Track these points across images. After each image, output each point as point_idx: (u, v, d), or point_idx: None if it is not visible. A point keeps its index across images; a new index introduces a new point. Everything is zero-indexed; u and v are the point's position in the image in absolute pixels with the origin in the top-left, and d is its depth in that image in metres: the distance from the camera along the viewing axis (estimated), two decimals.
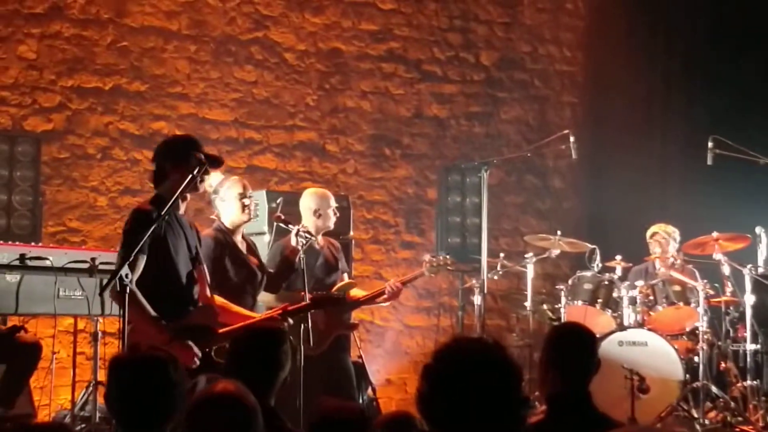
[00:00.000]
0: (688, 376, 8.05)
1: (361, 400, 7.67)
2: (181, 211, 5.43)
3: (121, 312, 4.84)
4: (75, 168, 9.04)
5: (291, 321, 5.98)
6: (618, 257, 8.69)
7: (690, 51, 10.98)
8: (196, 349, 5.14)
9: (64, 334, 7.87)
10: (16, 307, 6.74)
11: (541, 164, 11.03)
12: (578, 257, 9.21)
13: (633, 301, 8.36)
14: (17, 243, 7.20)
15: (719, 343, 8.54)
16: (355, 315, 7.87)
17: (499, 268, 8.91)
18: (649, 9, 11.17)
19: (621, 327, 8.28)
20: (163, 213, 5.10)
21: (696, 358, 8.22)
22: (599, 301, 8.49)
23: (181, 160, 5.27)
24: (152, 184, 5.49)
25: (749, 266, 8.29)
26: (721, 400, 8.13)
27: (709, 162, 8.57)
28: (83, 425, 6.95)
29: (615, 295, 8.48)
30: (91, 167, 9.11)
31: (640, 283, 8.48)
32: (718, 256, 8.43)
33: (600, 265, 8.56)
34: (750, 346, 8.29)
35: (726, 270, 8.43)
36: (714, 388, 8.11)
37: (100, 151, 9.15)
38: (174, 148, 5.41)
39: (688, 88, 11.01)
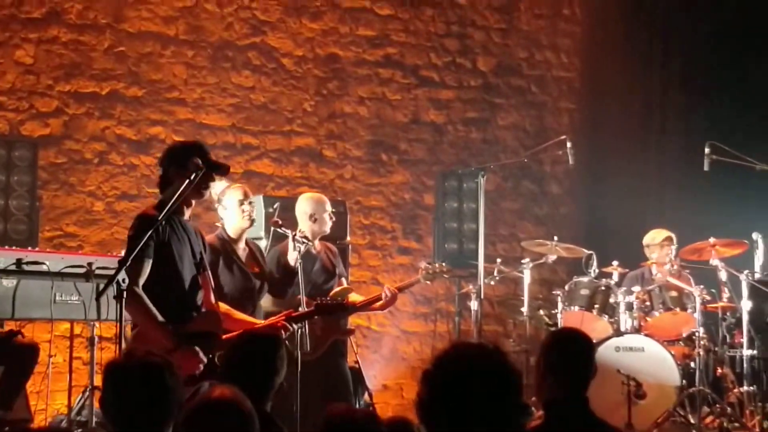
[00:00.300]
0: (684, 381, 8.04)
1: (357, 406, 7.66)
2: (186, 216, 5.43)
3: (118, 317, 4.84)
4: (72, 173, 9.04)
5: (294, 327, 5.98)
6: (615, 263, 8.68)
7: (687, 57, 10.98)
8: (201, 356, 5.13)
9: (61, 338, 7.86)
10: (13, 312, 6.73)
11: (538, 170, 11.03)
12: (575, 263, 9.21)
13: (630, 307, 8.36)
14: (14, 248, 7.20)
15: (716, 348, 8.53)
16: (352, 320, 7.87)
17: (496, 274, 8.90)
18: (646, 14, 11.18)
19: (618, 332, 8.27)
20: (161, 216, 5.10)
21: (693, 364, 8.22)
22: (596, 306, 8.49)
23: (181, 165, 5.27)
24: (158, 190, 5.48)
25: (746, 272, 8.29)
26: (717, 405, 8.12)
27: (706, 168, 8.58)
28: (80, 430, 6.94)
29: (612, 300, 8.47)
30: (88, 172, 9.10)
31: (636, 288, 8.47)
32: (715, 261, 8.43)
33: (597, 270, 8.55)
34: (747, 352, 8.29)
35: (723, 276, 8.42)
36: (711, 394, 8.11)
37: (97, 156, 9.15)
38: (175, 153, 5.40)
39: (685, 94, 11.01)
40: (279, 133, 9.95)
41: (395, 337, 10.19)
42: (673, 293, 8.47)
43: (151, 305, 5.08)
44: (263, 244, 7.58)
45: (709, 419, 8.09)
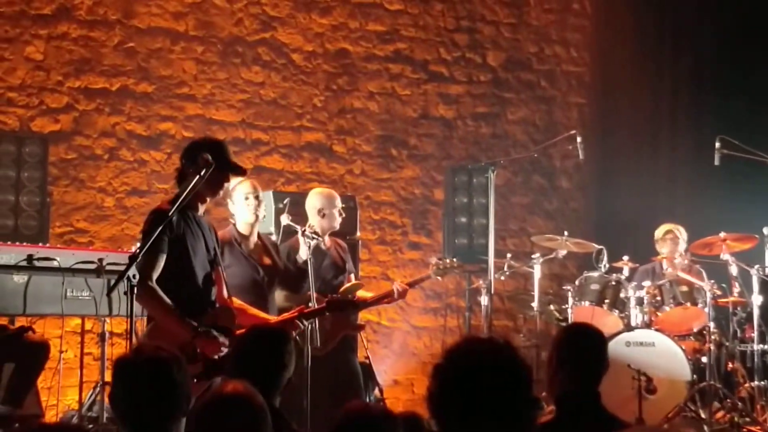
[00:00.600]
0: (695, 376, 8.04)
1: (367, 401, 7.67)
2: (200, 212, 5.44)
3: (129, 312, 4.85)
4: (82, 169, 9.05)
5: (305, 325, 5.98)
6: (625, 257, 8.67)
7: (698, 51, 10.95)
8: (222, 339, 5.14)
9: (72, 334, 7.89)
10: (24, 308, 6.74)
11: (548, 165, 11.02)
12: (585, 258, 9.21)
13: (640, 302, 8.36)
14: (25, 244, 7.20)
15: (727, 343, 8.52)
16: (362, 316, 7.88)
17: (506, 269, 8.90)
18: (656, 8, 11.15)
19: (628, 327, 8.27)
20: (172, 211, 5.10)
21: (703, 359, 8.22)
22: (606, 301, 8.49)
23: (193, 161, 5.29)
24: (167, 185, 5.51)
25: (756, 266, 8.28)
26: (728, 400, 8.12)
27: (717, 162, 8.56)
28: (91, 426, 6.96)
29: (622, 295, 8.47)
30: (98, 168, 9.11)
31: (647, 283, 8.47)
32: (725, 256, 8.42)
33: (607, 265, 8.55)
34: (757, 347, 8.28)
35: (733, 270, 8.41)
36: (722, 389, 8.10)
37: (108, 152, 9.16)
38: (190, 149, 5.43)
39: (696, 88, 10.98)
40: (289, 129, 9.95)
41: (405, 332, 10.18)
42: (684, 288, 8.46)
43: (165, 297, 5.10)
44: (273, 239, 7.59)
45: (720, 414, 8.09)
